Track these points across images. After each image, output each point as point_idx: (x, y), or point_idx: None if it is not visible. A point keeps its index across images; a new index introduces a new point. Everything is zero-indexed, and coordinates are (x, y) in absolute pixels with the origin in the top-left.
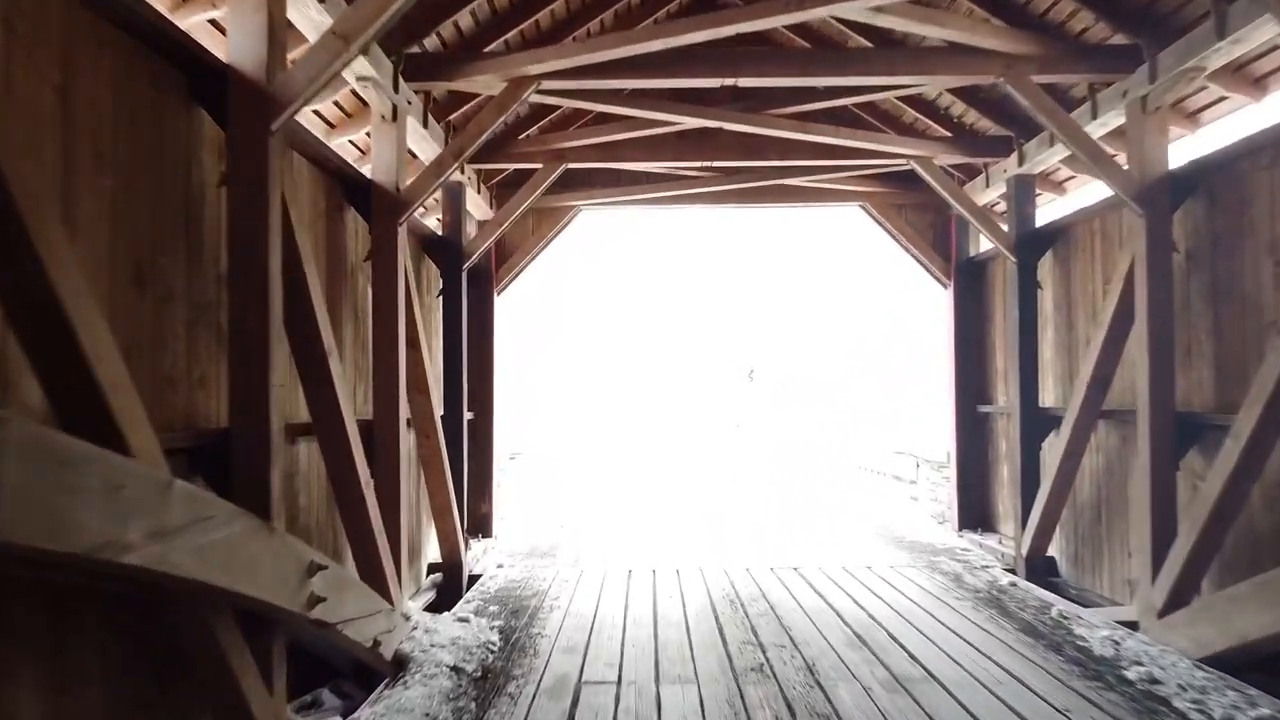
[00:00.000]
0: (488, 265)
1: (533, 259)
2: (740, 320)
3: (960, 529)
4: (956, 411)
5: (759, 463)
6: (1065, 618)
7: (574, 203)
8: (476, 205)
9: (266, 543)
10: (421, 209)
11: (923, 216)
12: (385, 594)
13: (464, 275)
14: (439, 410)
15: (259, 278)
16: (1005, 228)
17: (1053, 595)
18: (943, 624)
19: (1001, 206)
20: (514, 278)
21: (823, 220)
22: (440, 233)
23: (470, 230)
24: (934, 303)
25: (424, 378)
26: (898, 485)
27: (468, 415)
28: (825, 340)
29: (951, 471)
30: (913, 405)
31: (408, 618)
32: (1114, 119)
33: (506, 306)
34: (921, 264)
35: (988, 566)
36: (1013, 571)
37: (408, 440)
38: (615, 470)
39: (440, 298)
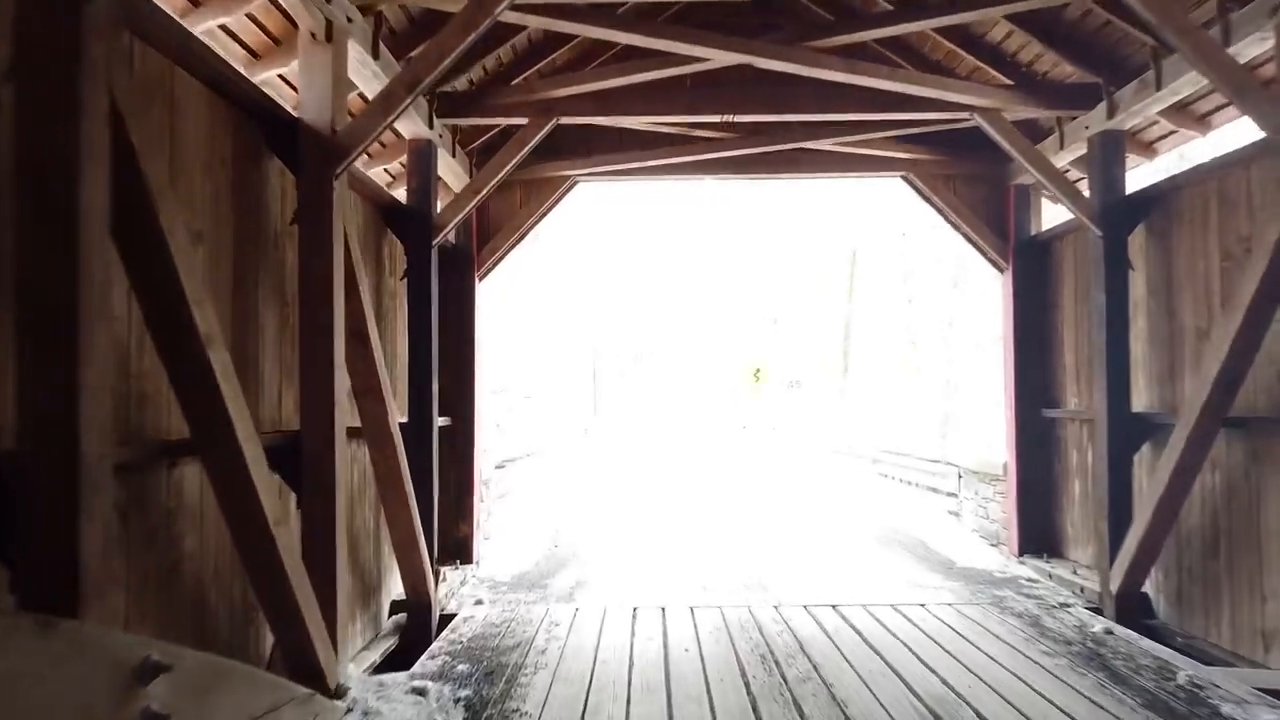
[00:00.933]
0: (467, 246)
1: (520, 239)
2: (752, 312)
3: (1020, 554)
4: (1016, 416)
5: (773, 468)
6: (1199, 686)
7: (569, 172)
8: (452, 173)
9: (41, 655)
10: (388, 177)
11: (974, 189)
12: (310, 668)
13: (434, 253)
14: (399, 417)
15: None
16: (1086, 195)
17: (1165, 650)
18: (1041, 695)
19: (1073, 175)
20: (498, 260)
21: (851, 194)
22: (405, 202)
23: (448, 206)
24: (979, 291)
25: (376, 377)
26: (933, 497)
27: (440, 422)
28: (849, 335)
29: (1008, 486)
30: (953, 407)
31: (341, 695)
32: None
33: (491, 293)
34: (974, 244)
35: (1067, 605)
36: (1099, 612)
37: (348, 455)
38: (618, 475)
39: (406, 281)
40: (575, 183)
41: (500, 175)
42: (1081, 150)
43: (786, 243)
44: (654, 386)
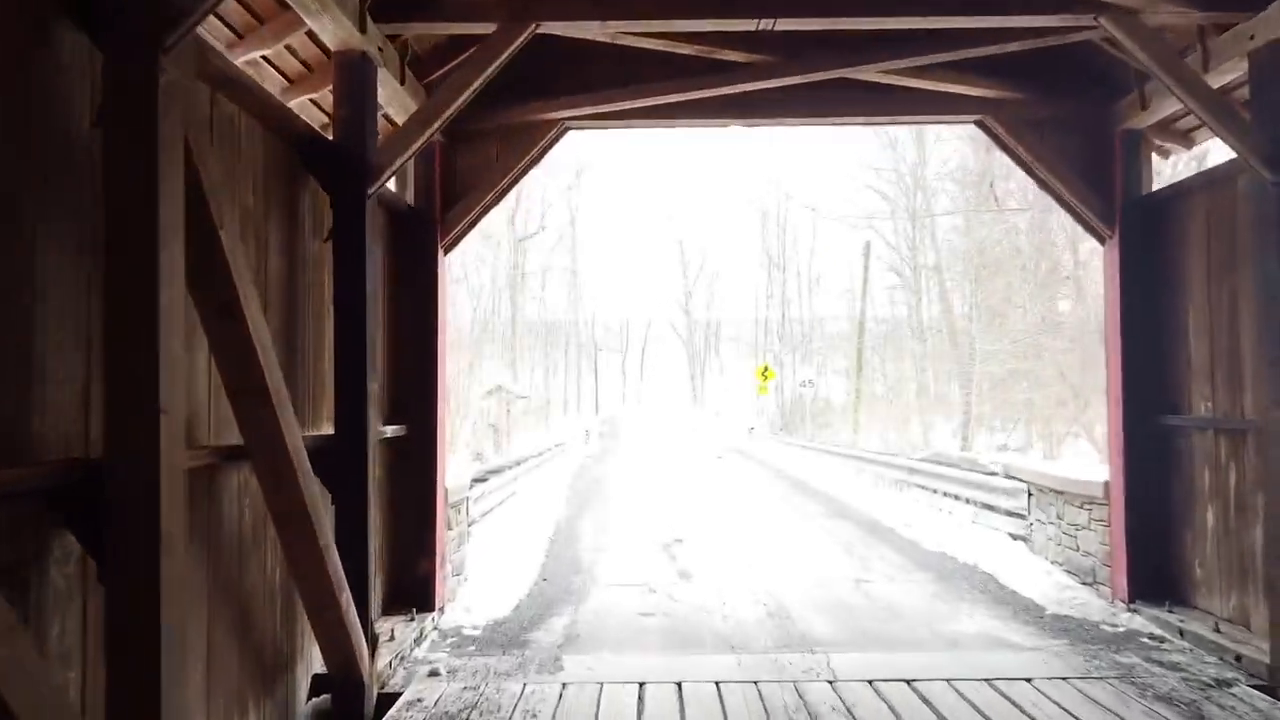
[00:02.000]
0: (428, 210)
1: (497, 199)
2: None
3: (1130, 599)
4: (1124, 424)
5: (787, 482)
6: None
7: (557, 115)
8: (399, 106)
9: None
10: (322, 117)
11: (1068, 137)
12: None
13: (370, 206)
14: (303, 429)
15: None
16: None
17: None
18: None
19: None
20: (469, 226)
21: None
22: (331, 138)
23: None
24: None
25: (258, 372)
26: (989, 517)
27: (390, 431)
28: (862, 331)
29: (1111, 511)
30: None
31: None
32: None
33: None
34: (1068, 206)
35: (1226, 683)
36: (1273, 693)
37: (182, 489)
38: (617, 483)
39: (334, 244)
40: (565, 128)
41: (460, 100)
42: (1231, 75)
43: (794, 237)
44: (658, 384)
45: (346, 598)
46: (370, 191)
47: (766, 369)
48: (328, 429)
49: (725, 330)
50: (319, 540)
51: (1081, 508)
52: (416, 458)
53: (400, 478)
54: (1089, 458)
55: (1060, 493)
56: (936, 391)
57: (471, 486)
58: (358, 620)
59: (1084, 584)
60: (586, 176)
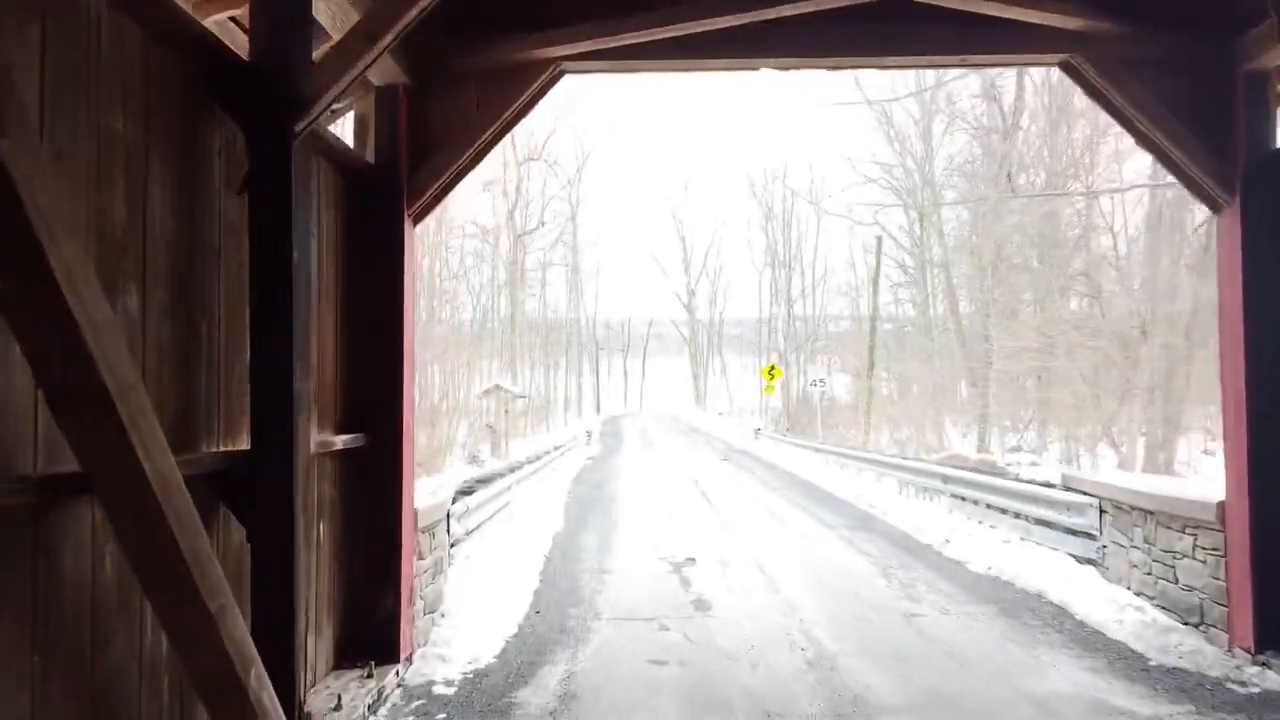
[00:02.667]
0: (393, 169)
1: (478, 157)
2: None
3: (1257, 648)
4: (1249, 431)
5: (805, 490)
6: None
7: (550, 52)
8: (340, 17)
9: None
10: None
11: (1176, 79)
12: None
13: (295, 147)
14: (213, 444)
15: None
16: None
17: None
18: None
19: None
20: (444, 189)
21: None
22: (248, 59)
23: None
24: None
25: (88, 367)
26: (1045, 534)
27: (339, 442)
28: (874, 328)
29: (1232, 538)
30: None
31: None
32: None
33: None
34: (1173, 165)
35: None
36: None
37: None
38: (622, 492)
39: (250, 197)
40: (560, 70)
41: (415, 10)
42: None
43: (799, 234)
44: (660, 384)
45: (257, 673)
46: (299, 129)
47: (773, 368)
48: (246, 443)
49: (728, 329)
50: (208, 601)
51: (1183, 531)
52: (378, 474)
53: (357, 498)
54: (1109, 462)
55: (1150, 512)
56: (945, 391)
57: (455, 500)
58: (274, 702)
59: (1187, 625)
60: (587, 172)
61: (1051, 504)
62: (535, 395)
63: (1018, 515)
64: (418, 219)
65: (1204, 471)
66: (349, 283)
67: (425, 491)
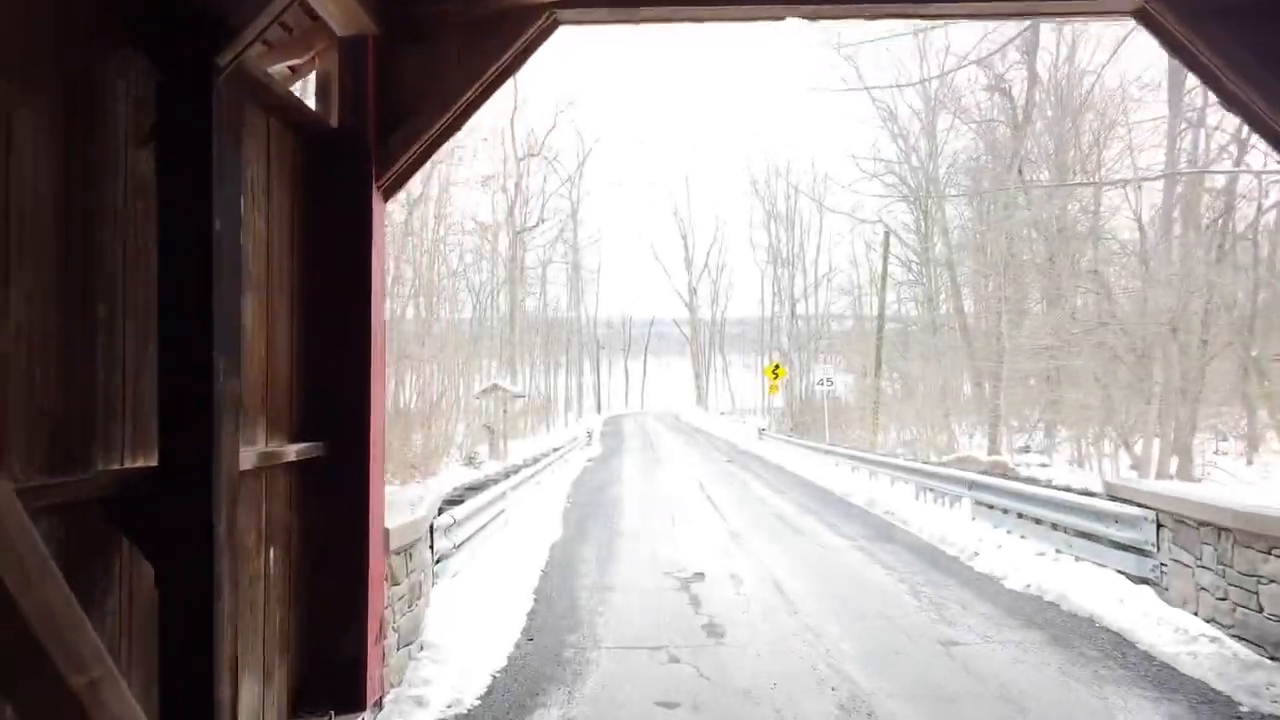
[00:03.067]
0: (359, 131)
1: (458, 120)
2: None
3: None
4: None
5: (815, 487)
6: None
7: None
8: None
9: None
10: None
11: (1273, 32)
12: None
13: (218, 86)
14: (110, 459)
15: None
16: None
17: None
18: None
19: None
20: (418, 158)
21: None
22: None
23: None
24: None
25: None
26: (1088, 548)
27: (292, 452)
28: (881, 326)
29: None
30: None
31: None
32: None
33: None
34: (1268, 129)
35: None
36: None
37: None
38: (622, 496)
39: (158, 147)
40: (554, 19)
41: None
42: None
43: (801, 231)
44: (662, 383)
45: None
46: (223, 62)
47: (778, 367)
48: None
49: (730, 328)
50: (70, 676)
51: (1270, 553)
52: (342, 488)
53: (317, 518)
54: (1123, 463)
55: (1225, 529)
56: (952, 391)
57: (441, 512)
58: None
59: (1275, 660)
60: (588, 168)
61: (1097, 515)
62: (535, 395)
63: (1055, 526)
64: (389, 192)
65: (1242, 477)
66: (307, 265)
67: (405, 503)
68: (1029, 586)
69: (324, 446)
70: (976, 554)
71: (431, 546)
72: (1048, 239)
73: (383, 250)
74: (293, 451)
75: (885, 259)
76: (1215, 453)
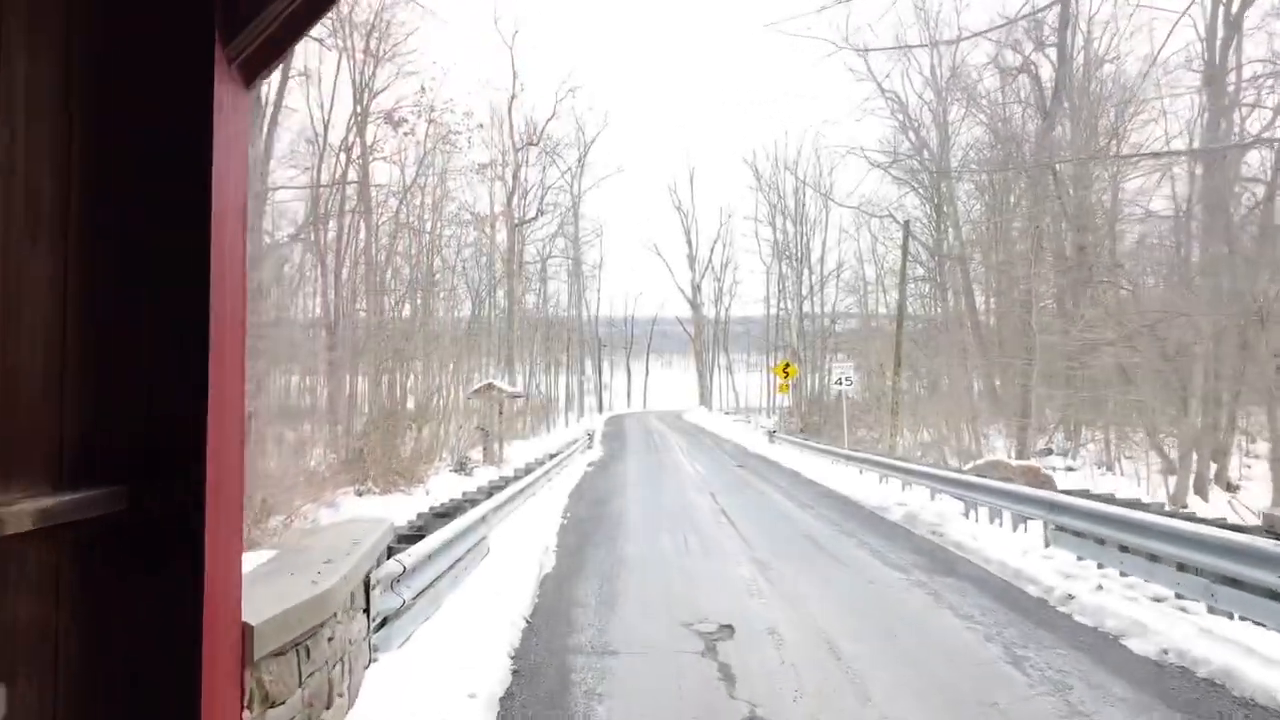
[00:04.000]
0: None
1: None
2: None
3: None
4: None
5: (844, 499)
6: None
7: None
8: None
9: None
10: None
11: None
12: None
13: None
14: None
15: None
16: None
17: None
18: None
19: None
20: (298, 21)
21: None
22: None
23: None
24: None
25: None
26: (1237, 598)
27: (66, 506)
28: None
29: None
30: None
31: None
32: None
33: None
34: None
35: None
36: None
37: None
38: (626, 510)
39: None
40: None
41: None
42: None
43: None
44: (665, 382)
45: None
46: None
47: (788, 365)
48: None
49: (735, 327)
50: None
51: None
52: (164, 561)
53: (111, 616)
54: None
55: None
56: (971, 391)
57: (389, 555)
58: None
59: None
60: (590, 159)
61: (1259, 559)
62: (535, 394)
63: (1182, 567)
64: (250, 70)
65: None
66: (100, 193)
67: (346, 542)
68: (1167, 653)
69: (125, 495)
70: (1070, 597)
71: (367, 609)
72: (1079, 228)
73: (244, 168)
74: (59, 507)
75: (905, 253)
76: (1247, 455)
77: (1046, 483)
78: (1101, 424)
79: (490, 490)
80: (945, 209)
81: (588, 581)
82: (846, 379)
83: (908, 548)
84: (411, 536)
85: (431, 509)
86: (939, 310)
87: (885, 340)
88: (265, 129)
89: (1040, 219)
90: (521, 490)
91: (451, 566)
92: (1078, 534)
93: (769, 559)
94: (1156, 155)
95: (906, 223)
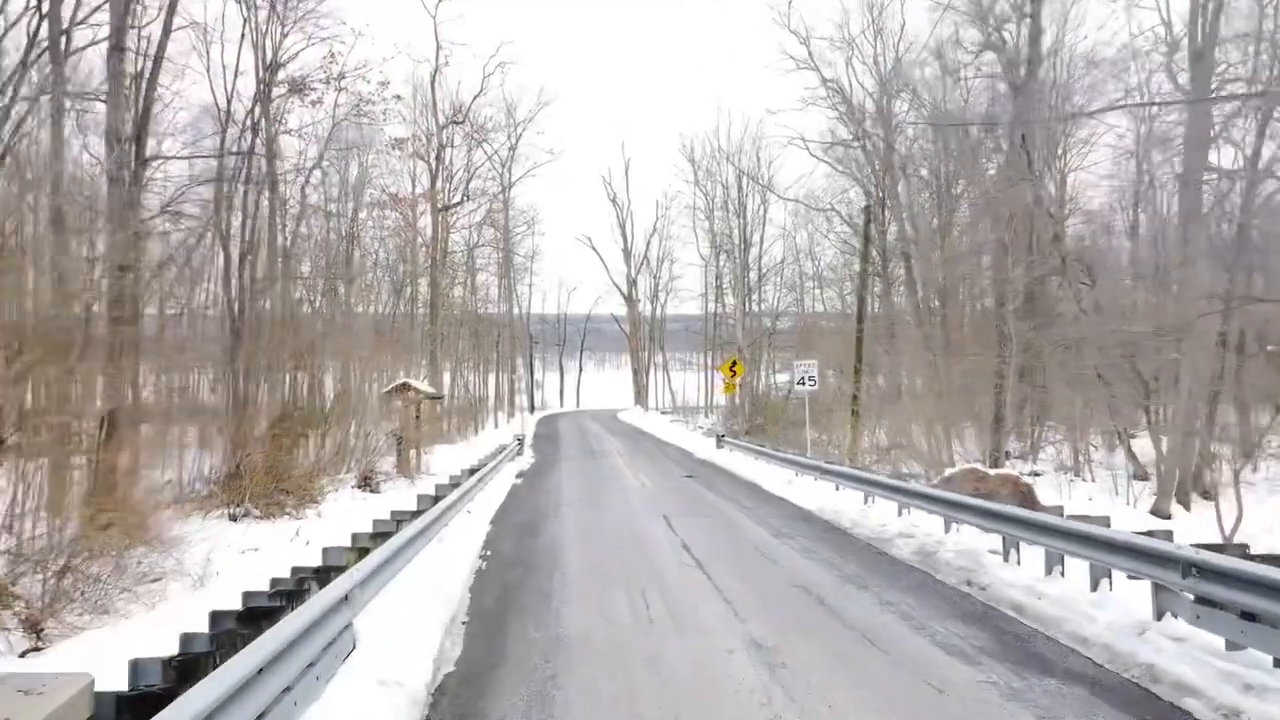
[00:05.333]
0: None
1: None
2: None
3: None
4: None
5: (826, 524)
6: None
7: None
8: None
9: None
10: None
11: None
12: None
13: None
14: None
15: None
16: None
17: None
18: None
19: None
20: None
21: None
22: None
23: None
24: None
25: None
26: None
27: None
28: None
29: None
30: None
31: None
32: None
33: None
34: None
35: None
36: None
37: None
38: (561, 542)
39: None
40: None
41: None
42: None
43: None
44: (599, 381)
45: None
46: None
47: (735, 363)
48: None
49: (671, 324)
50: None
51: None
52: None
53: None
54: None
55: None
56: (935, 390)
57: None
58: None
59: None
60: (520, 148)
61: None
62: (462, 394)
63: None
64: None
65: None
66: None
67: None
68: None
69: None
70: (1240, 714)
71: None
72: (1050, 213)
73: None
74: None
75: (867, 233)
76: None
77: (1028, 495)
78: (1067, 426)
79: (374, 537)
80: (889, 202)
81: (508, 696)
82: (809, 378)
83: (951, 612)
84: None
85: (274, 583)
86: (893, 305)
87: (835, 338)
88: (143, 88)
89: (1017, 200)
90: (434, 521)
91: (308, 668)
92: (1208, 601)
93: (768, 635)
94: (1140, 105)
95: (868, 207)
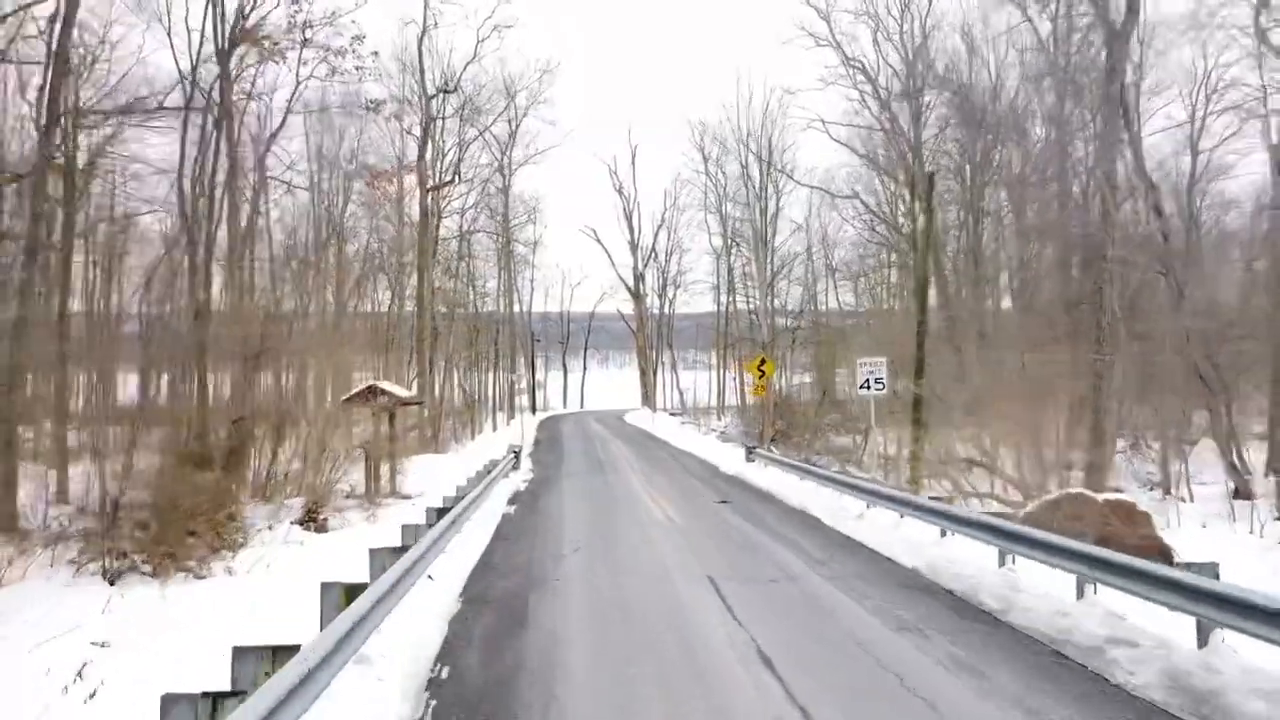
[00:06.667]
0: None
1: None
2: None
3: None
4: None
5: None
6: None
7: None
8: None
9: None
10: None
11: None
12: None
13: None
14: None
15: None
16: None
17: None
18: None
19: None
20: None
21: None
22: None
23: None
24: None
25: None
26: None
27: None
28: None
29: None
30: None
31: None
32: None
33: None
34: None
35: None
36: None
37: None
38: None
39: None
40: None
41: None
42: None
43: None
44: (605, 381)
45: None
46: None
47: (764, 361)
48: None
49: (679, 322)
50: None
51: None
52: None
53: None
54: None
55: None
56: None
57: None
58: None
59: None
60: (521, 132)
61: None
62: (459, 396)
63: None
64: None
65: None
66: None
67: None
68: None
69: None
70: None
71: None
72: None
73: None
74: None
75: (930, 203)
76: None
77: (1146, 526)
78: (1151, 435)
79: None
80: (919, 189)
81: None
82: (876, 380)
83: None
84: None
85: None
86: (948, 298)
87: (864, 335)
88: (55, 30)
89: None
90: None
91: None
92: None
93: None
94: None
95: (931, 174)
